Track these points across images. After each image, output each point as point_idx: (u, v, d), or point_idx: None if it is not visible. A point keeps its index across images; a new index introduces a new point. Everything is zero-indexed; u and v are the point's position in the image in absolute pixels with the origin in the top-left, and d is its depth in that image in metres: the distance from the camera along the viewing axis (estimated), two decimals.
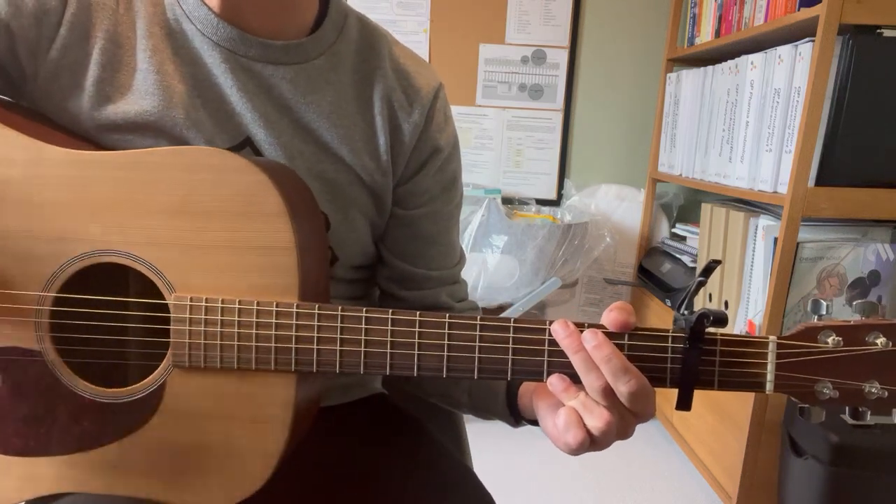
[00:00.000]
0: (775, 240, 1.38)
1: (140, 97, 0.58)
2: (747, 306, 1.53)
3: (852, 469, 1.23)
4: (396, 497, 0.63)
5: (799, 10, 1.34)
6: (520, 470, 1.72)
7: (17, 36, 0.56)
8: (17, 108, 0.59)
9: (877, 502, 1.23)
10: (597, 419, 0.48)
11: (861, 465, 1.23)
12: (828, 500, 1.25)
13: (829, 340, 0.49)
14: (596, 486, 1.67)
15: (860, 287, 1.41)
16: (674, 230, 2.13)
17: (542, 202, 2.27)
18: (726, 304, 1.61)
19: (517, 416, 0.62)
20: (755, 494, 1.47)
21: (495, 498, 0.67)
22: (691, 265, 1.88)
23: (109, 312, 0.55)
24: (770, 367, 0.50)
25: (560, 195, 2.30)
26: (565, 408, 0.49)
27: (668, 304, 1.91)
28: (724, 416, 1.55)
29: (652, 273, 2.04)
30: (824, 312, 0.51)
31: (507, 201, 2.24)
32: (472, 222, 1.86)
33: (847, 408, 0.51)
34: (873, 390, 0.49)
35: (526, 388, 0.61)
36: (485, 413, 0.67)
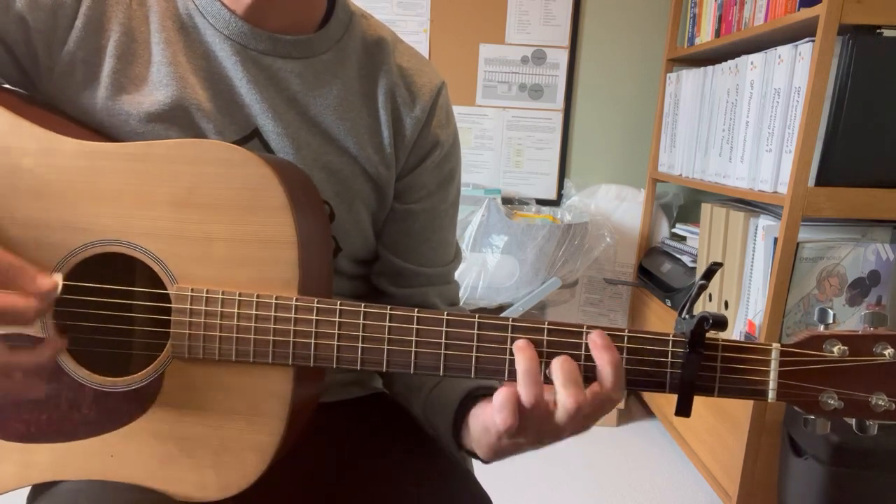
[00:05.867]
0: (775, 240, 1.38)
1: (154, 88, 0.60)
2: (747, 306, 1.53)
3: (852, 469, 1.23)
4: (394, 497, 0.63)
5: (799, 10, 1.34)
6: (519, 470, 1.72)
7: (34, 28, 0.57)
8: (31, 100, 0.60)
9: (877, 502, 1.23)
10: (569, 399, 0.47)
11: (861, 465, 1.22)
12: (828, 500, 1.25)
13: (835, 350, 0.48)
14: (596, 486, 1.67)
15: (860, 287, 1.41)
16: (674, 230, 2.13)
17: (542, 202, 2.26)
18: (726, 304, 1.61)
19: (459, 441, 0.61)
20: (755, 494, 1.47)
21: (495, 498, 0.66)
22: (691, 265, 1.88)
23: (112, 301, 0.55)
24: (773, 375, 0.48)
25: (560, 195, 2.31)
26: (505, 387, 0.49)
27: (669, 304, 1.91)
28: (724, 416, 1.55)
29: (652, 273, 2.04)
30: (831, 321, 0.49)
31: (507, 201, 2.24)
32: (472, 222, 1.86)
33: (854, 420, 0.49)
34: (880, 402, 0.48)
35: (475, 422, 0.59)
36: (433, 429, 0.67)
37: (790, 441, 1.34)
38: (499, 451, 0.54)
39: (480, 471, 0.73)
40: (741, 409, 1.47)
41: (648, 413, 2.06)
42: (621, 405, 1.95)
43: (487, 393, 0.58)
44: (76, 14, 0.58)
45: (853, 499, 1.24)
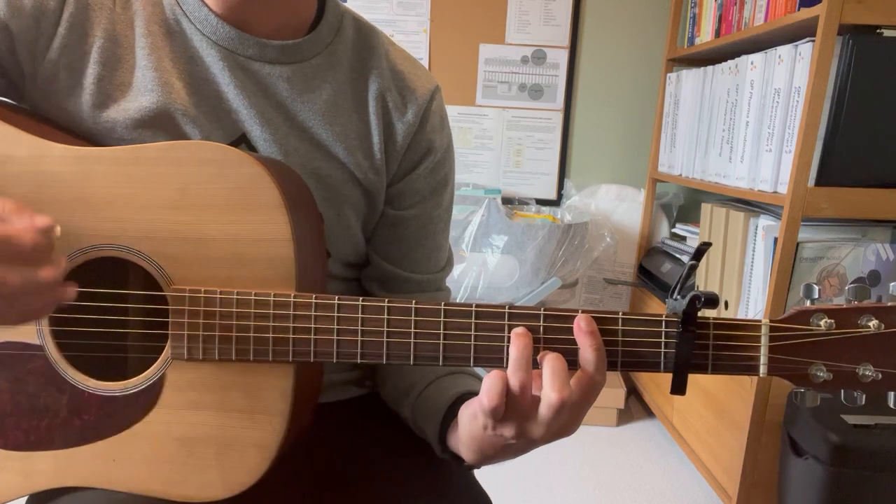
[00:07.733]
0: (775, 240, 1.38)
1: (139, 94, 0.59)
2: (747, 306, 1.53)
3: (852, 469, 1.22)
4: (393, 497, 0.63)
5: (799, 10, 1.34)
6: (519, 470, 1.72)
7: (17, 36, 0.57)
8: (19, 109, 0.60)
9: (877, 502, 1.23)
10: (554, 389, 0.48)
11: (861, 465, 1.22)
12: (828, 500, 1.25)
13: (822, 323, 0.49)
14: (596, 485, 1.67)
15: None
16: (674, 230, 2.13)
17: (542, 202, 2.27)
18: (726, 304, 1.61)
19: (444, 443, 0.61)
20: (755, 494, 1.47)
21: (495, 498, 0.66)
22: None
23: (109, 306, 0.55)
24: (763, 350, 0.50)
25: (560, 195, 2.31)
26: (496, 371, 0.50)
27: None
28: (724, 416, 1.55)
29: (652, 273, 2.04)
30: (816, 296, 0.51)
31: (507, 201, 2.24)
32: (472, 222, 1.86)
33: (842, 392, 0.50)
34: (867, 373, 0.49)
35: (464, 412, 0.59)
36: (420, 431, 0.67)
37: (790, 441, 1.34)
38: (483, 446, 0.54)
39: (480, 471, 0.73)
40: (741, 409, 1.46)
41: (648, 413, 2.06)
42: (621, 405, 1.95)
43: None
44: (59, 20, 0.57)
45: (853, 499, 1.24)
